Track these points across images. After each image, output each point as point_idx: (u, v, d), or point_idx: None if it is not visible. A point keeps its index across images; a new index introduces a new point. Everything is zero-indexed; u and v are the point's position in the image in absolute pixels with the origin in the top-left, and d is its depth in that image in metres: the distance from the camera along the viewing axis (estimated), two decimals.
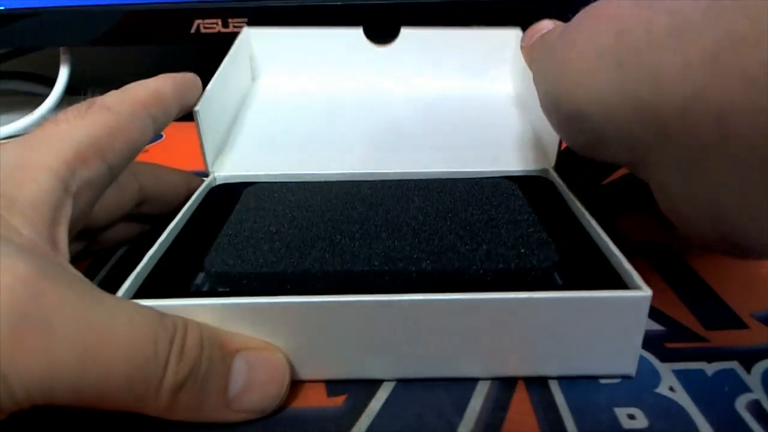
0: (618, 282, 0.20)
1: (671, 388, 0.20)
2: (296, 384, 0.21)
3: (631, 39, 0.17)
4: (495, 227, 0.22)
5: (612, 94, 0.17)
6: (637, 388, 0.20)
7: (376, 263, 0.20)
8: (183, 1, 0.43)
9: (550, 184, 0.28)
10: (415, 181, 0.26)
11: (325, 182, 0.27)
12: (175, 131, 0.38)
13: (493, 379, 0.20)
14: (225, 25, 0.43)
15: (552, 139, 0.28)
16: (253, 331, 0.19)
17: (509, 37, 0.37)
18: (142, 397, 0.16)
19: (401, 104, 0.36)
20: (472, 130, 0.33)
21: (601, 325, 0.19)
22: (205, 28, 0.43)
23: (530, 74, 0.24)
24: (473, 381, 0.20)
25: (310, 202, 0.24)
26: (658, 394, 0.20)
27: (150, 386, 0.15)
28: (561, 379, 0.21)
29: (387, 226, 0.22)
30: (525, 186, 0.26)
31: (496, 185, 0.26)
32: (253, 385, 0.18)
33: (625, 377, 0.20)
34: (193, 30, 0.43)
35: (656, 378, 0.21)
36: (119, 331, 0.15)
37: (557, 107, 0.20)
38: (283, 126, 0.34)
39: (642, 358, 0.21)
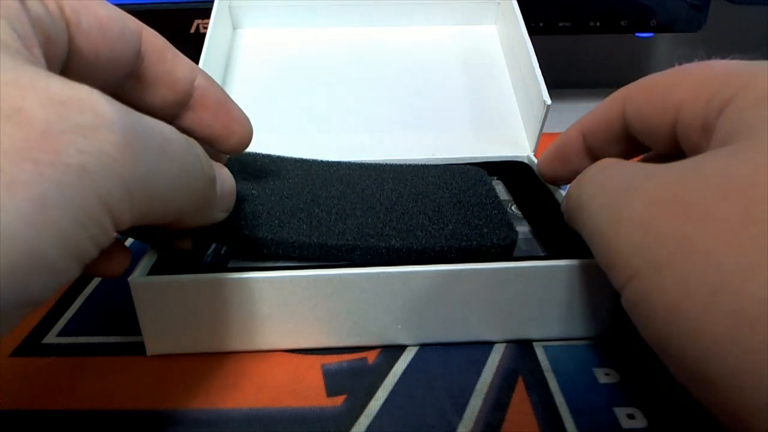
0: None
1: (671, 388, 0.20)
2: (296, 384, 0.21)
3: None
4: (461, 209, 0.23)
5: None
6: (636, 387, 0.20)
7: (349, 238, 0.21)
8: (183, 1, 0.43)
9: (530, 169, 0.30)
10: (390, 165, 0.27)
11: (306, 159, 0.27)
12: None
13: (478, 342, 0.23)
14: None
15: (533, 128, 0.31)
16: (255, 302, 0.21)
17: None
18: (202, 196, 0.18)
19: (385, 71, 0.36)
20: (460, 110, 0.34)
21: (578, 290, 0.21)
22: (205, 28, 0.43)
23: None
24: (473, 377, 0.21)
25: (291, 174, 0.25)
26: (658, 394, 0.20)
27: (204, 185, 0.18)
28: (544, 341, 0.23)
29: (361, 204, 0.24)
30: (508, 170, 0.29)
31: (466, 172, 0.27)
32: (224, 183, 0.20)
33: (599, 338, 0.23)
34: (192, 30, 0.43)
35: (655, 378, 0.21)
36: (179, 145, 0.16)
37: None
38: (268, 108, 0.34)
39: (641, 358, 0.22)
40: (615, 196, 0.17)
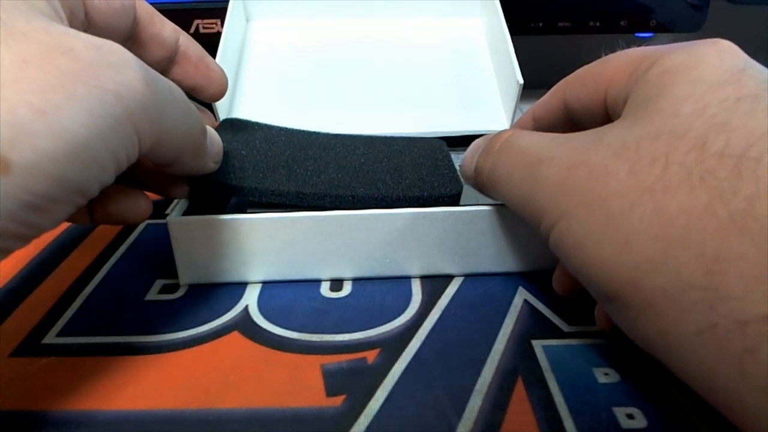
0: None
1: (670, 388, 0.20)
2: (295, 384, 0.21)
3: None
4: (418, 169, 0.28)
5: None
6: (636, 387, 0.20)
7: (322, 188, 0.25)
8: (183, 1, 0.43)
9: None
10: (363, 135, 0.31)
11: (288, 128, 0.31)
12: None
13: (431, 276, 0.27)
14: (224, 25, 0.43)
15: (509, 105, 0.35)
16: (270, 239, 0.25)
17: None
18: (198, 140, 0.21)
19: (383, 58, 0.40)
20: (449, 91, 0.39)
21: (510, 231, 0.26)
22: (205, 28, 0.43)
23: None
24: (473, 377, 0.21)
25: (275, 139, 0.29)
26: (658, 394, 0.20)
27: (199, 130, 0.21)
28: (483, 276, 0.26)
29: (334, 164, 0.27)
30: None
31: (427, 142, 0.31)
32: (213, 138, 0.23)
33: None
34: (192, 30, 0.43)
35: (655, 378, 0.21)
36: (181, 94, 0.20)
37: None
38: (278, 89, 0.38)
39: (641, 358, 0.21)
40: (532, 167, 0.20)
